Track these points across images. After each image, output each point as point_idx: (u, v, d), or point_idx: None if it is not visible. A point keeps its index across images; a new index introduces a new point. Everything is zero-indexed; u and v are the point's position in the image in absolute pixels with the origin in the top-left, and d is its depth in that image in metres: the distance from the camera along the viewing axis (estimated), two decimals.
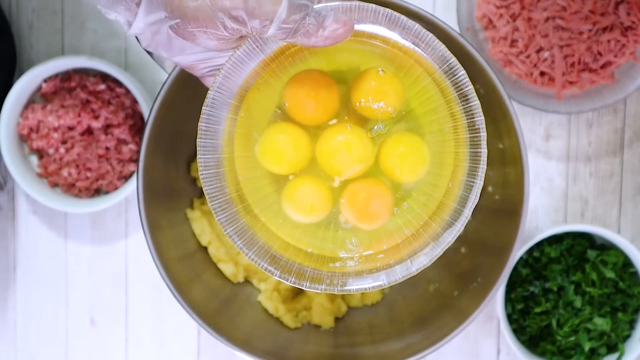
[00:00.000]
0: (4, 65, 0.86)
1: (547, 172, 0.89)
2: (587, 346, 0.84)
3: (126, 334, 0.91)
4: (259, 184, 0.56)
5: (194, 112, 0.80)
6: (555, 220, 0.89)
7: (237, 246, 0.54)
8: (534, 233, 0.87)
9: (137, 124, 0.87)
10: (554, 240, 0.87)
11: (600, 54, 0.84)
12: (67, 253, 0.91)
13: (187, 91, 0.71)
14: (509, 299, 0.86)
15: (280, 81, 0.56)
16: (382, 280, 0.54)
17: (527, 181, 0.70)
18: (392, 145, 0.56)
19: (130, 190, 0.85)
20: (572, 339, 0.85)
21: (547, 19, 0.83)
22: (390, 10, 0.53)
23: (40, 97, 0.88)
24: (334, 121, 0.56)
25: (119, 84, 0.87)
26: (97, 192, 0.89)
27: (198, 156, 0.54)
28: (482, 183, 0.54)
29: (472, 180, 0.54)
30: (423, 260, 0.54)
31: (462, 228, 0.54)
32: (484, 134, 0.54)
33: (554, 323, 0.85)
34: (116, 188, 0.88)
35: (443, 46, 0.53)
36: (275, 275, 0.54)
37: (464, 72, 0.53)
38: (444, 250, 0.54)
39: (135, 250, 0.90)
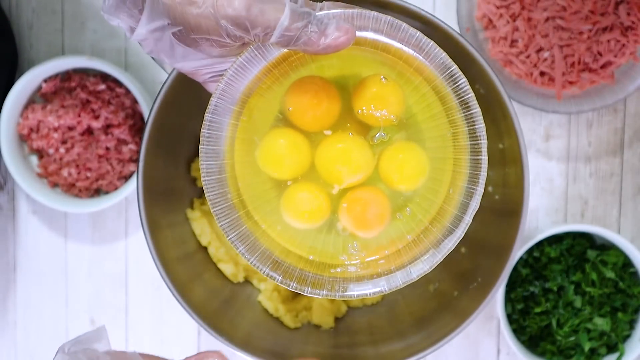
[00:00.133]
0: (4, 66, 0.86)
1: (547, 172, 0.89)
2: (587, 346, 0.84)
3: (126, 334, 0.91)
4: (259, 189, 0.56)
5: (194, 112, 0.80)
6: (555, 220, 0.89)
7: (239, 252, 0.54)
8: (534, 233, 0.87)
9: (137, 124, 0.87)
10: (554, 240, 0.87)
11: (600, 54, 0.84)
12: (67, 253, 0.91)
13: (187, 91, 0.71)
14: (509, 299, 0.86)
15: (282, 87, 0.56)
16: (382, 286, 0.55)
17: (527, 181, 0.70)
18: (391, 155, 0.56)
19: (130, 190, 0.85)
20: (572, 339, 0.85)
21: (547, 19, 0.83)
22: (391, 18, 0.53)
23: (40, 97, 0.88)
24: (336, 129, 0.56)
25: (119, 84, 0.87)
26: (97, 192, 0.89)
27: (200, 162, 0.54)
28: (482, 190, 0.54)
29: (472, 187, 0.54)
30: (423, 267, 0.55)
31: (463, 235, 0.54)
32: (484, 142, 0.54)
33: (554, 323, 0.85)
34: (116, 188, 0.88)
35: (444, 53, 0.53)
36: (277, 281, 0.54)
37: (465, 79, 0.53)
38: (444, 256, 0.54)
39: (135, 250, 0.90)
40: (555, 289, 0.85)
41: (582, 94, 0.85)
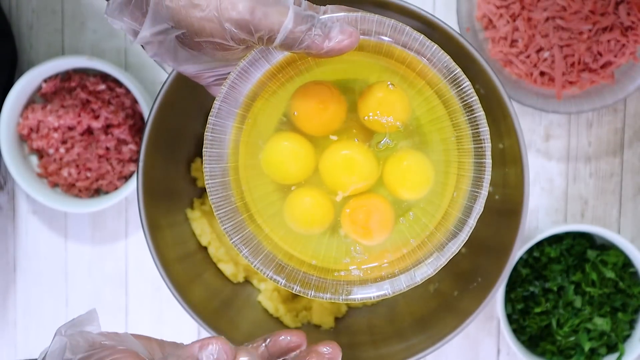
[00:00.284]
0: (4, 66, 0.86)
1: (547, 172, 0.89)
2: (587, 346, 0.84)
3: None
4: (263, 193, 0.56)
5: (194, 112, 0.80)
6: (555, 220, 0.89)
7: (242, 255, 0.54)
8: (534, 233, 0.87)
9: (137, 124, 0.87)
10: (554, 240, 0.87)
11: (600, 54, 0.84)
12: (67, 253, 0.91)
13: (187, 91, 0.71)
14: (509, 299, 0.86)
15: (287, 90, 0.56)
16: (386, 290, 0.55)
17: (527, 181, 0.70)
18: (396, 163, 0.56)
19: (130, 190, 0.85)
20: (572, 339, 0.85)
21: (547, 19, 0.83)
22: (395, 21, 0.53)
23: (40, 97, 0.88)
24: (341, 135, 0.56)
25: (119, 84, 0.87)
26: (97, 192, 0.89)
27: (204, 165, 0.54)
28: (486, 193, 0.54)
29: (476, 190, 0.54)
30: (427, 270, 0.55)
31: (467, 238, 0.54)
32: (488, 145, 0.54)
33: (554, 323, 0.85)
34: (116, 188, 0.88)
35: (448, 57, 0.53)
36: (281, 284, 0.54)
37: (468, 82, 0.53)
38: (448, 260, 0.54)
39: (135, 250, 0.90)
40: (555, 289, 0.85)
41: (582, 94, 0.85)
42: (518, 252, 0.83)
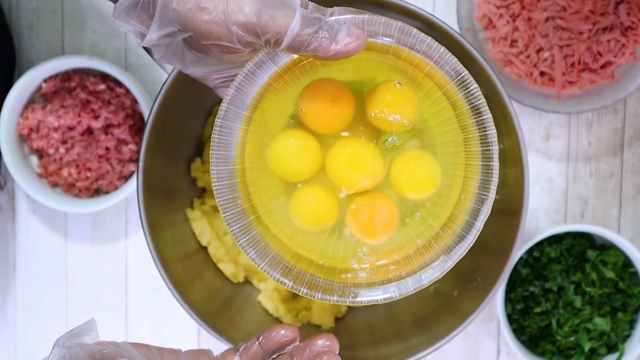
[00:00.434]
0: (3, 66, 0.86)
1: (547, 172, 0.89)
2: (587, 346, 0.84)
3: (126, 334, 0.91)
4: (271, 194, 0.56)
5: (194, 112, 0.80)
6: (555, 220, 0.89)
7: (250, 257, 0.54)
8: (534, 233, 0.87)
9: (137, 124, 0.87)
10: (554, 240, 0.87)
11: (600, 54, 0.84)
12: (67, 253, 0.91)
13: (187, 91, 0.71)
14: (509, 299, 0.86)
15: (293, 92, 0.56)
16: (393, 292, 0.55)
17: (527, 181, 0.70)
18: (403, 163, 0.56)
19: (130, 190, 0.85)
20: (572, 339, 0.85)
21: (547, 19, 0.83)
22: (402, 24, 0.53)
23: (40, 97, 0.88)
24: (347, 134, 0.56)
25: (119, 84, 0.87)
26: (97, 192, 0.89)
27: (211, 168, 0.54)
28: (493, 196, 0.54)
29: (484, 193, 0.54)
30: (434, 273, 0.55)
31: (474, 241, 0.54)
32: (495, 148, 0.54)
33: (554, 323, 0.85)
34: (116, 188, 0.88)
35: (455, 59, 0.53)
36: (288, 286, 0.54)
37: (476, 85, 0.53)
38: (455, 262, 0.54)
39: (135, 250, 0.90)
40: (555, 289, 0.85)
41: (582, 94, 0.85)
42: (518, 252, 0.83)
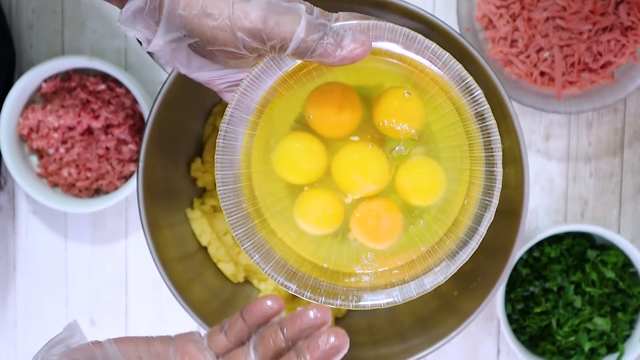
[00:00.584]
0: (3, 66, 0.86)
1: (547, 172, 0.89)
2: (587, 346, 0.84)
3: (126, 334, 0.91)
4: (275, 197, 0.57)
5: (194, 112, 0.80)
6: (555, 220, 0.89)
7: (254, 261, 0.54)
8: (534, 233, 0.87)
9: (137, 124, 0.87)
10: (554, 240, 0.87)
11: (600, 54, 0.84)
12: (67, 253, 0.91)
13: (187, 91, 0.71)
14: (509, 299, 0.86)
15: (299, 96, 0.56)
16: (396, 297, 0.55)
17: (527, 181, 0.70)
18: (409, 170, 0.56)
19: (130, 190, 0.85)
20: (572, 339, 0.85)
21: (547, 19, 0.83)
22: (407, 29, 0.53)
23: (40, 97, 0.88)
24: (356, 138, 0.57)
25: (119, 84, 0.87)
26: (97, 192, 0.89)
27: (216, 172, 0.54)
28: (497, 202, 0.54)
29: (487, 199, 0.54)
30: (437, 278, 0.55)
31: (477, 246, 0.54)
32: (499, 154, 0.54)
33: (554, 323, 0.85)
34: (116, 188, 0.88)
35: (460, 65, 0.53)
36: (292, 290, 0.54)
37: (480, 91, 0.53)
38: (458, 267, 0.54)
39: (135, 250, 0.90)
40: (555, 289, 0.85)
41: (582, 94, 0.85)
42: (518, 252, 0.83)
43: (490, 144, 0.54)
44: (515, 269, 0.86)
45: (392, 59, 0.54)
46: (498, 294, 0.83)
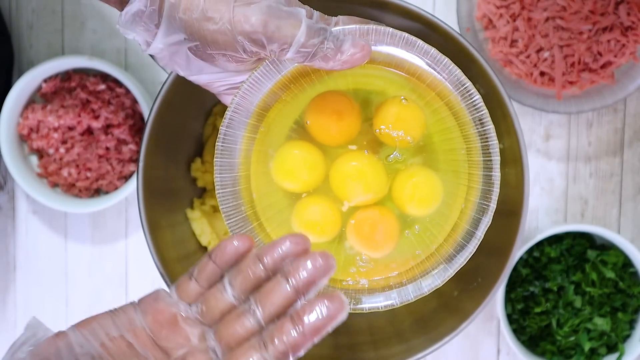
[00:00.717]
0: (2, 66, 0.86)
1: (547, 172, 0.89)
2: (587, 346, 0.84)
3: None
4: (272, 200, 0.57)
5: (194, 112, 0.80)
6: (555, 220, 0.89)
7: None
8: (534, 233, 0.87)
9: (137, 124, 0.87)
10: (554, 240, 0.87)
11: (600, 54, 0.84)
12: (67, 253, 0.91)
13: (187, 91, 0.71)
14: (509, 299, 0.86)
15: (298, 100, 0.56)
16: (394, 299, 0.55)
17: (527, 181, 0.70)
18: (405, 180, 0.56)
19: (130, 190, 0.85)
20: (572, 339, 0.85)
21: (547, 19, 0.83)
22: (407, 34, 0.53)
23: (40, 97, 0.88)
24: (354, 147, 0.57)
25: (119, 84, 0.87)
26: (97, 192, 0.89)
27: (215, 175, 0.54)
28: (495, 206, 0.54)
29: (485, 203, 0.55)
30: (435, 281, 0.55)
31: (475, 250, 0.54)
32: (497, 158, 0.54)
33: (554, 323, 0.85)
34: (116, 188, 0.88)
35: (459, 70, 0.53)
36: None
37: (479, 96, 0.54)
38: (456, 271, 0.54)
39: (135, 250, 0.90)
40: (555, 289, 0.85)
41: (582, 94, 0.85)
42: (518, 252, 0.83)
43: (488, 149, 0.54)
44: (515, 269, 0.86)
45: (390, 64, 0.54)
46: (498, 294, 0.83)
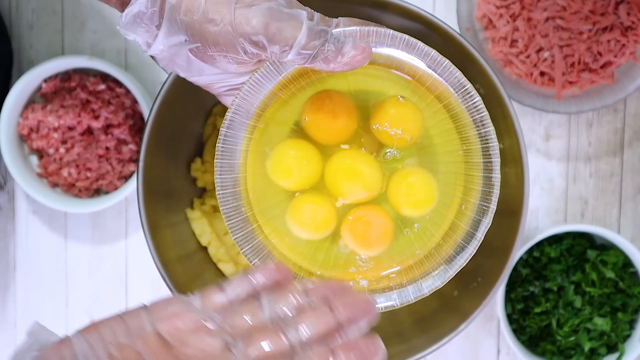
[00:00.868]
0: (2, 66, 0.86)
1: (547, 172, 0.89)
2: (587, 346, 0.84)
3: None
4: (271, 202, 0.57)
5: (194, 112, 0.80)
6: (555, 220, 0.89)
7: (253, 264, 0.55)
8: (534, 233, 0.87)
9: (137, 124, 0.87)
10: (554, 240, 0.87)
11: (600, 54, 0.84)
12: (67, 253, 0.91)
13: (187, 91, 0.71)
14: (509, 299, 0.86)
15: (298, 100, 0.56)
16: (394, 300, 0.55)
17: (527, 181, 0.70)
18: (400, 180, 0.56)
19: (130, 190, 0.85)
20: (572, 339, 0.85)
21: (547, 19, 0.83)
22: (407, 36, 0.53)
23: (40, 97, 0.88)
24: (347, 146, 0.57)
25: (119, 84, 0.87)
26: (97, 192, 0.89)
27: (215, 176, 0.54)
28: (495, 208, 0.54)
29: (485, 204, 0.55)
30: (435, 282, 0.55)
31: (475, 251, 0.54)
32: (497, 160, 0.54)
33: (554, 323, 0.85)
34: (116, 188, 0.88)
35: (459, 72, 0.54)
36: None
37: (479, 98, 0.54)
38: (456, 272, 0.54)
39: (135, 250, 0.90)
40: (555, 289, 0.85)
41: (582, 94, 0.85)
42: (518, 252, 0.83)
43: (488, 150, 0.54)
44: (515, 269, 0.86)
45: (391, 65, 0.54)
46: (498, 294, 0.83)
